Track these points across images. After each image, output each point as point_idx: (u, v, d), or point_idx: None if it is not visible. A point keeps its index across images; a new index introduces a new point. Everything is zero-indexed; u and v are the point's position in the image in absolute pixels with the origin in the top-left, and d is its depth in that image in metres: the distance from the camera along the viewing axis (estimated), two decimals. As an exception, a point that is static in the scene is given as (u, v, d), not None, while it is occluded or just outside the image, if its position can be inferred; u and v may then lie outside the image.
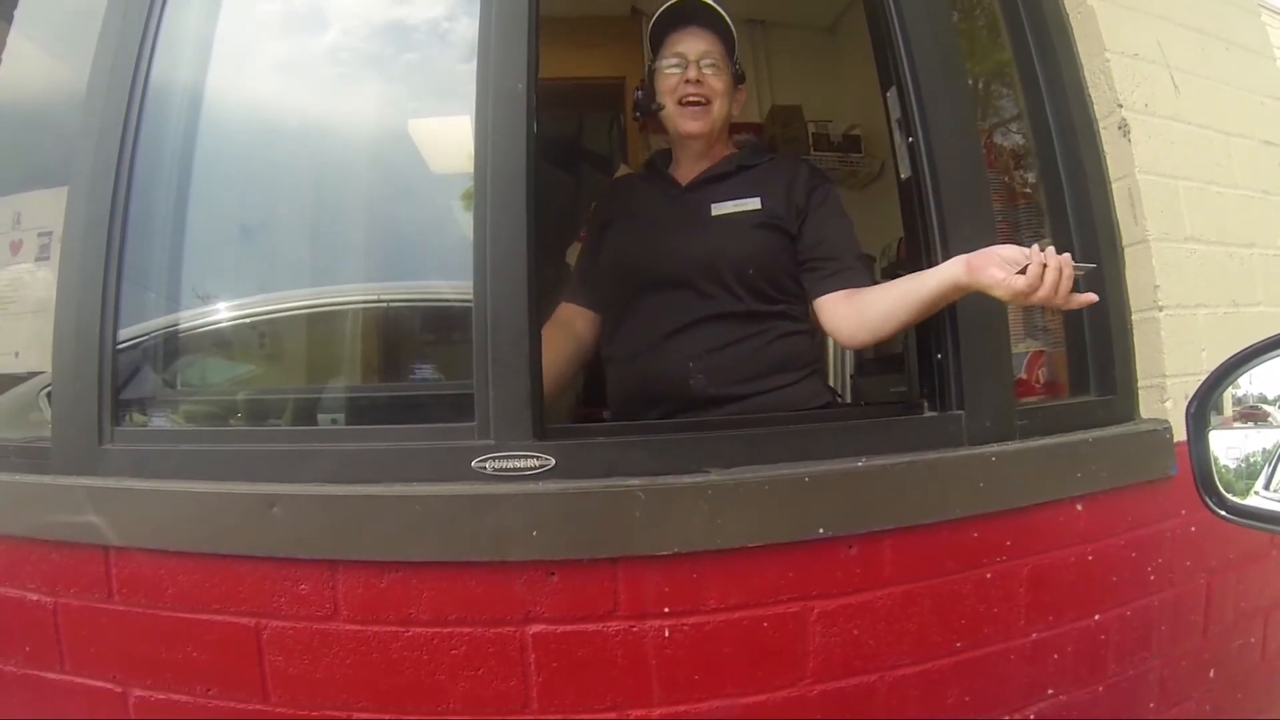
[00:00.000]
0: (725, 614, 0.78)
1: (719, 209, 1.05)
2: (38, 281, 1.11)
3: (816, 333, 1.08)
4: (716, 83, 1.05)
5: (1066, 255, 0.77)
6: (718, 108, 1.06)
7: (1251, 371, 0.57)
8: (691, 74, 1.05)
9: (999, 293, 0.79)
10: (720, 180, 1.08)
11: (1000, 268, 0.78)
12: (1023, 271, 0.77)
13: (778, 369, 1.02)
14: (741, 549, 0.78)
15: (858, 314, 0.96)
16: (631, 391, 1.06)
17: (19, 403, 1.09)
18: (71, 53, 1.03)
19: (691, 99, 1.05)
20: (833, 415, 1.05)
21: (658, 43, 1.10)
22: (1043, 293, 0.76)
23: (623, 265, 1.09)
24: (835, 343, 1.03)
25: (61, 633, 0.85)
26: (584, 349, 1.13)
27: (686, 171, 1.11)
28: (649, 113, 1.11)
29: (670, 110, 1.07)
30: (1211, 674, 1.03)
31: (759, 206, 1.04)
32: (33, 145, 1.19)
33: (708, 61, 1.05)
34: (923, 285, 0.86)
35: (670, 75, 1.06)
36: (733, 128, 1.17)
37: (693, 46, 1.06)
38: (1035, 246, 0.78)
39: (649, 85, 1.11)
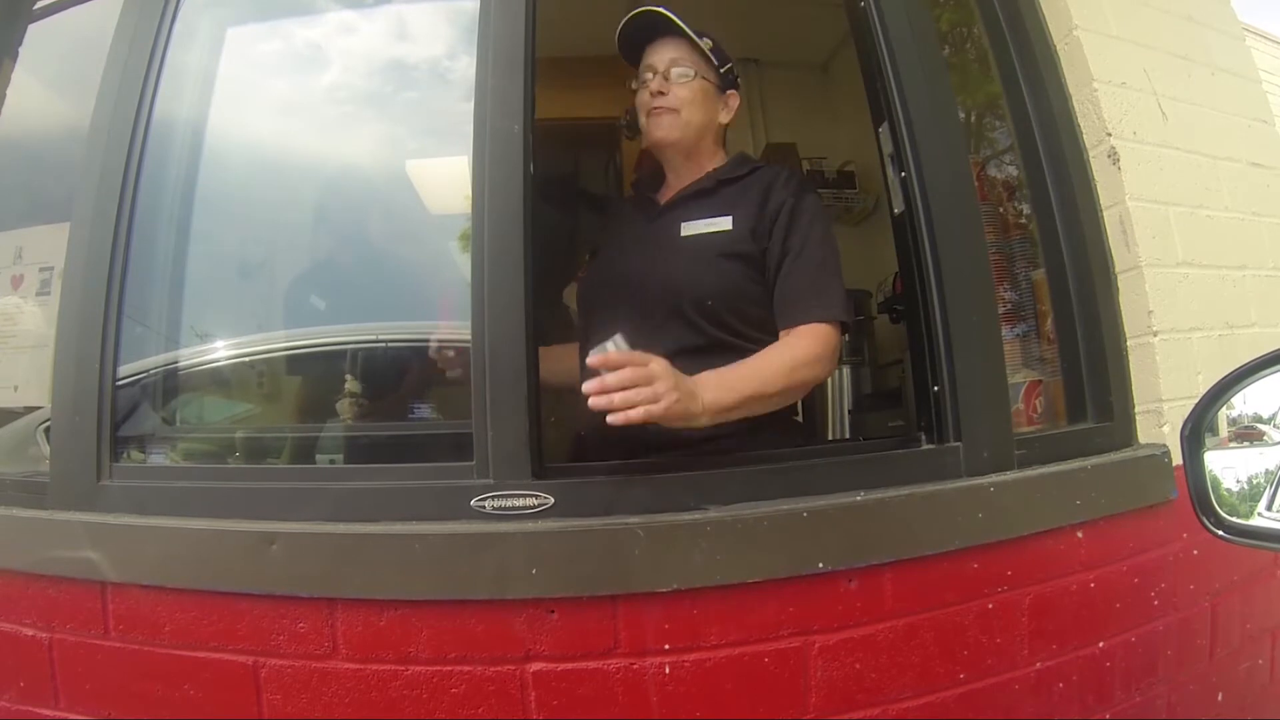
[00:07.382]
0: (726, 650, 0.77)
1: (689, 228, 1.00)
2: (38, 316, 1.11)
3: None
4: (684, 90, 1.03)
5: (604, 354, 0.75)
6: (687, 115, 1.03)
7: (1245, 391, 0.57)
8: (655, 85, 1.03)
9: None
10: (697, 198, 1.03)
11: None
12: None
13: None
14: (741, 585, 0.77)
15: None
16: (599, 426, 1.05)
17: (17, 438, 1.09)
18: (75, 90, 1.04)
19: (657, 109, 1.03)
20: (831, 450, 1.04)
21: (636, 63, 1.09)
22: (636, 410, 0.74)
23: (597, 292, 1.07)
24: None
25: (57, 669, 0.84)
26: None
27: (671, 190, 1.08)
28: (634, 132, 1.10)
29: (643, 123, 1.06)
30: (1220, 697, 1.02)
31: (729, 227, 0.99)
32: (36, 181, 1.20)
33: (677, 70, 1.03)
34: None
35: (642, 90, 1.06)
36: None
37: (660, 57, 1.04)
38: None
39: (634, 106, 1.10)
